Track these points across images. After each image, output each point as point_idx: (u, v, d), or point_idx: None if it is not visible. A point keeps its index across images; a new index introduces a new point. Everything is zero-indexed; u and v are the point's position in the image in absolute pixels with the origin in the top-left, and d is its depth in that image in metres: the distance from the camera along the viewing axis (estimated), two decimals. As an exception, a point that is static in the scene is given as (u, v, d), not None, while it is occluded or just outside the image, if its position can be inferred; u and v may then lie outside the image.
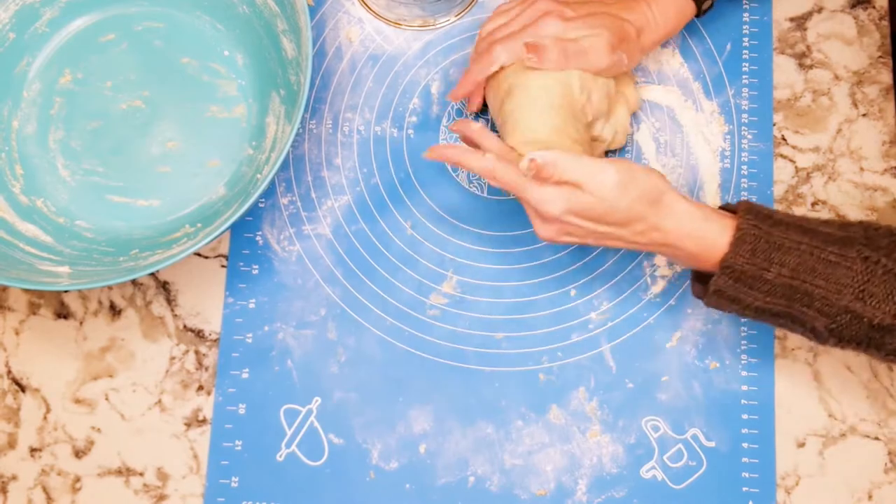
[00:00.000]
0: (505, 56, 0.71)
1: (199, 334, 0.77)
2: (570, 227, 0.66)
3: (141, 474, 0.75)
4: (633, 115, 0.80)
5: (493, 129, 0.79)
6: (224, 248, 0.79)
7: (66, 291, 0.78)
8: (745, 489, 0.74)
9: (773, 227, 0.64)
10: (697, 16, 0.75)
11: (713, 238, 0.65)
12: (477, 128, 0.70)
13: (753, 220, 0.64)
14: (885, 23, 0.82)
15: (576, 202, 0.64)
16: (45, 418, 0.76)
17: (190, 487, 0.75)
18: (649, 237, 0.66)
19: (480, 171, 0.67)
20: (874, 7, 0.82)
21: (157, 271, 0.75)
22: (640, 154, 0.80)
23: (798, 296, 0.63)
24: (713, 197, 0.79)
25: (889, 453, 0.74)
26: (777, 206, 0.78)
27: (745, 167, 0.79)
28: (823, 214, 0.78)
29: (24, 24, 0.79)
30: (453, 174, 0.80)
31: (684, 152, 0.80)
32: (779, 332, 0.76)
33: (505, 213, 0.79)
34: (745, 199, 0.68)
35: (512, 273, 0.78)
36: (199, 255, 0.79)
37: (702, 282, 0.69)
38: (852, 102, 0.80)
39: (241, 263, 0.78)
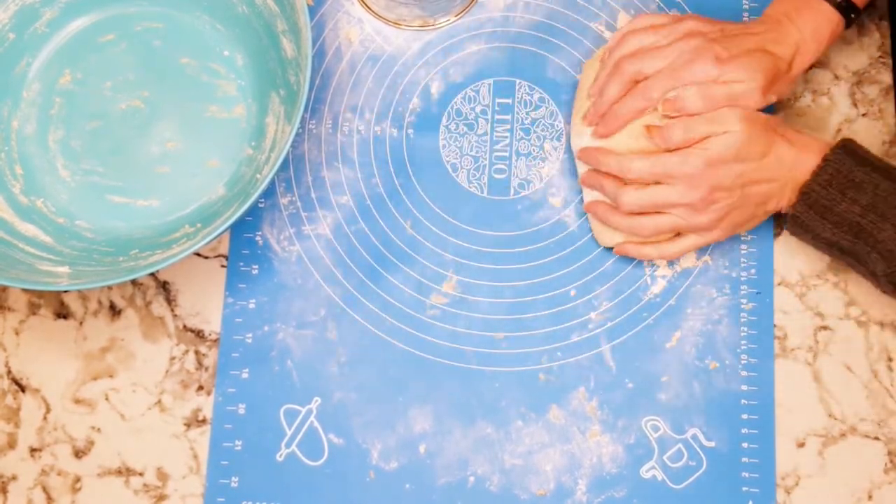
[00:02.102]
0: (658, 95, 0.70)
1: (198, 334, 0.77)
2: (718, 178, 0.67)
3: (141, 474, 0.75)
4: None
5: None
6: (224, 249, 0.79)
7: (65, 291, 0.78)
8: (745, 489, 0.74)
9: (858, 165, 0.66)
10: (846, 27, 0.72)
11: (804, 164, 0.68)
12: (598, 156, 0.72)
13: (842, 153, 0.67)
14: (885, 23, 0.82)
15: (713, 147, 0.67)
16: (45, 418, 0.76)
17: (190, 487, 0.75)
18: (784, 164, 0.68)
19: (620, 171, 0.71)
20: (874, 7, 0.82)
21: (157, 271, 0.74)
22: (639, 154, 0.80)
23: (864, 235, 0.66)
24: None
25: (889, 453, 0.74)
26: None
27: (744, 167, 0.79)
28: (824, 214, 0.79)
29: (24, 25, 0.79)
30: (453, 174, 0.80)
31: (684, 152, 0.80)
32: (778, 332, 0.76)
33: (505, 213, 0.79)
34: (850, 137, 0.70)
35: (512, 273, 0.78)
36: (198, 255, 0.79)
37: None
38: (852, 102, 0.80)
39: (241, 263, 0.78)
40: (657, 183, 0.70)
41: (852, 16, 0.71)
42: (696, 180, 0.68)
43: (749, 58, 0.69)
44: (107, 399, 0.76)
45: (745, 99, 0.69)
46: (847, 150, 0.68)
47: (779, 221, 0.78)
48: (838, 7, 0.71)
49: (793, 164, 0.69)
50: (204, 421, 0.76)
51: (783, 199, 0.70)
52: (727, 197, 0.69)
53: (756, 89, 0.69)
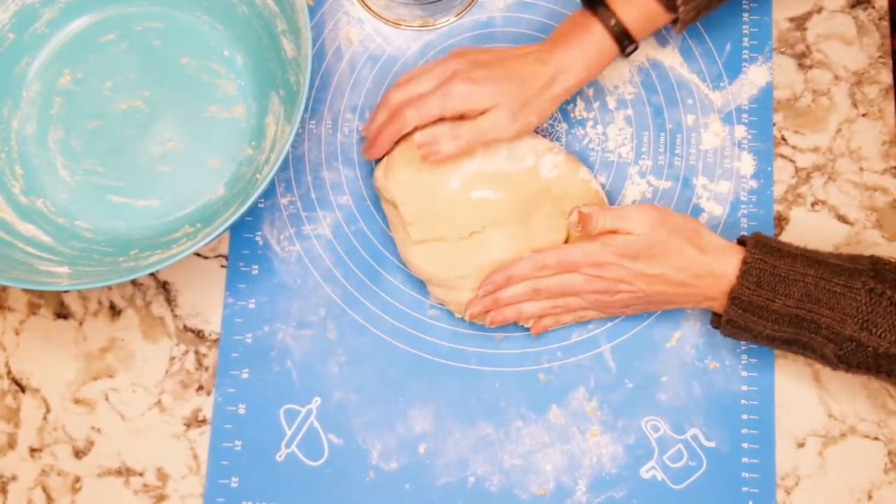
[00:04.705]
0: (417, 119, 0.71)
1: (198, 334, 0.77)
2: (619, 270, 0.69)
3: (141, 474, 0.75)
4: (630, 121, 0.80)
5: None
6: (224, 249, 0.79)
7: (65, 292, 0.78)
8: (744, 489, 0.74)
9: (779, 260, 0.67)
10: (624, 55, 0.73)
11: (723, 269, 0.68)
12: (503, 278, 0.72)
13: (759, 253, 0.67)
14: (885, 23, 0.82)
15: (617, 243, 0.69)
16: (44, 418, 0.76)
17: (190, 488, 0.75)
18: (691, 271, 0.69)
19: (530, 269, 0.71)
20: (874, 7, 0.82)
21: (157, 271, 0.75)
22: (641, 156, 0.80)
23: (805, 324, 0.66)
24: (713, 196, 0.79)
25: (889, 453, 0.74)
26: (777, 207, 0.79)
27: (745, 167, 0.79)
28: (823, 214, 0.78)
29: (24, 25, 0.79)
30: (453, 174, 0.80)
31: (684, 153, 0.80)
32: (778, 332, 0.76)
33: (505, 213, 0.79)
34: (757, 232, 0.71)
35: (512, 273, 0.78)
36: (198, 255, 0.79)
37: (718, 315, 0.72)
38: (852, 102, 0.80)
39: (241, 264, 0.78)
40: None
41: (627, 44, 0.72)
42: (600, 268, 0.70)
43: (500, 82, 0.70)
44: (107, 399, 0.76)
45: (495, 132, 0.71)
46: (763, 248, 0.68)
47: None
48: (611, 31, 0.71)
49: (707, 271, 0.69)
50: (204, 421, 0.76)
51: (704, 303, 0.71)
52: (630, 289, 0.70)
53: (504, 117, 0.70)
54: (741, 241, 0.71)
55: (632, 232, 0.68)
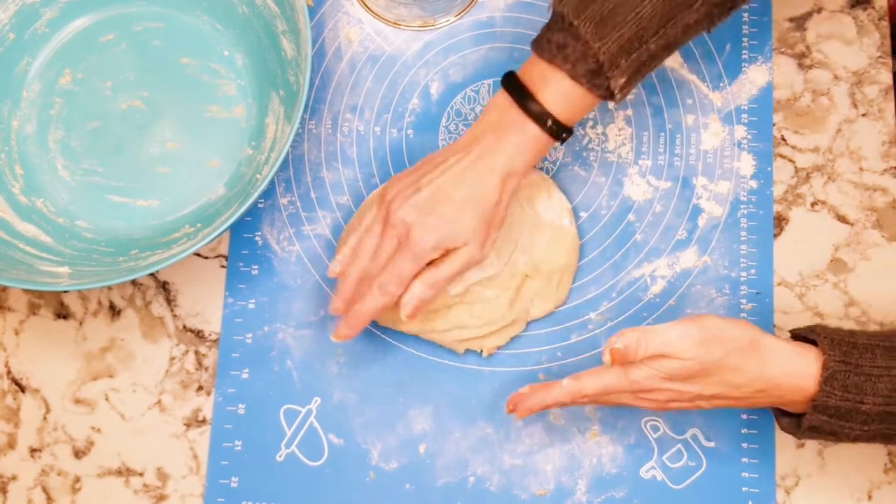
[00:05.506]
0: (398, 289, 0.67)
1: (198, 334, 0.77)
2: (672, 394, 0.64)
3: (141, 474, 0.75)
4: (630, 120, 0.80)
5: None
6: (224, 249, 0.79)
7: (65, 292, 0.78)
8: (744, 489, 0.74)
9: (859, 358, 0.63)
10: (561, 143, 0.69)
11: (796, 380, 0.64)
12: (528, 391, 0.68)
13: (838, 353, 0.63)
14: (885, 23, 0.82)
15: (667, 368, 0.63)
16: (44, 418, 0.76)
17: (190, 488, 0.75)
18: (754, 387, 0.64)
19: (567, 397, 0.66)
20: (874, 7, 0.82)
21: (157, 271, 0.75)
22: (640, 156, 0.80)
23: (893, 417, 0.63)
24: (712, 196, 0.79)
25: (889, 453, 0.74)
26: (777, 207, 0.79)
27: (744, 167, 0.79)
28: (823, 214, 0.78)
29: (24, 25, 0.79)
30: (453, 174, 0.79)
31: (684, 153, 0.80)
32: (778, 332, 0.76)
33: (504, 213, 0.79)
34: (820, 324, 0.67)
35: (511, 273, 0.78)
36: (198, 255, 0.79)
37: (789, 414, 0.67)
38: (852, 103, 0.80)
39: (241, 264, 0.78)
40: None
41: (564, 136, 0.67)
42: (649, 393, 0.65)
43: (453, 224, 0.66)
44: (107, 399, 0.76)
45: (470, 265, 0.67)
46: (840, 347, 0.63)
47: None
48: (549, 131, 0.66)
49: (774, 385, 0.64)
50: (204, 421, 0.76)
51: (769, 403, 0.66)
52: (685, 405, 0.66)
53: (475, 248, 0.67)
54: (798, 336, 0.67)
55: (681, 357, 0.62)
